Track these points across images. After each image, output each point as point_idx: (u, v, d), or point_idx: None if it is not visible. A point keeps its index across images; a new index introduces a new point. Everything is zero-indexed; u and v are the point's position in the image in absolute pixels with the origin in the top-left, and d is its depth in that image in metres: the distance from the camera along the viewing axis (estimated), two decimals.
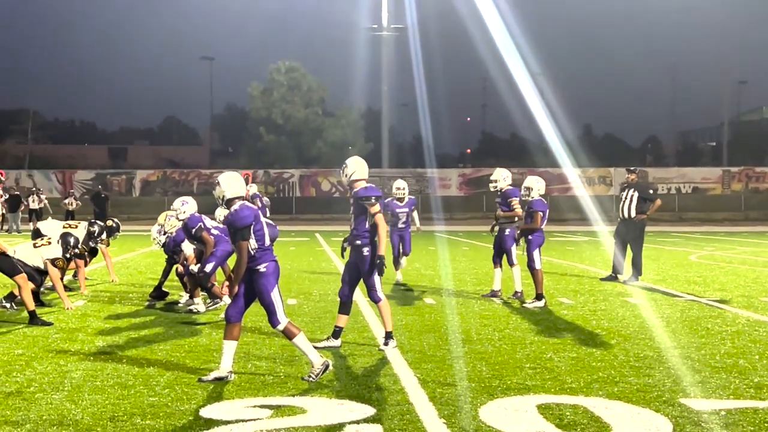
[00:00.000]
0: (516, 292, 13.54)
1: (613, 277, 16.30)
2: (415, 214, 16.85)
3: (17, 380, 7.77)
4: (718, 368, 8.38)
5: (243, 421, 6.45)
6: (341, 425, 6.35)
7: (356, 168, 9.48)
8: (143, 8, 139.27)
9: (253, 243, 7.84)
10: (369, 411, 6.73)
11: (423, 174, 58.62)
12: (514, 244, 13.58)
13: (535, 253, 13.07)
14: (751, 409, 6.87)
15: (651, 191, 17.03)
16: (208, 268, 11.64)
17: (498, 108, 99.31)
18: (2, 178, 20.32)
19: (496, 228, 13.76)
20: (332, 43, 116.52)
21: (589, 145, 61.05)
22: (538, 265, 13.03)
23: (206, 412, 6.69)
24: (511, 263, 13.64)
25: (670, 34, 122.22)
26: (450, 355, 8.96)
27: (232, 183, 8.10)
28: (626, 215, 16.30)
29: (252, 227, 7.83)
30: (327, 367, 7.77)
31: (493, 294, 13.67)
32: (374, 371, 8.23)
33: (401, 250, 15.93)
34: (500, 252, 13.70)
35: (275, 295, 7.85)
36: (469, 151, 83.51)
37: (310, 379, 7.72)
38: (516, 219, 13.50)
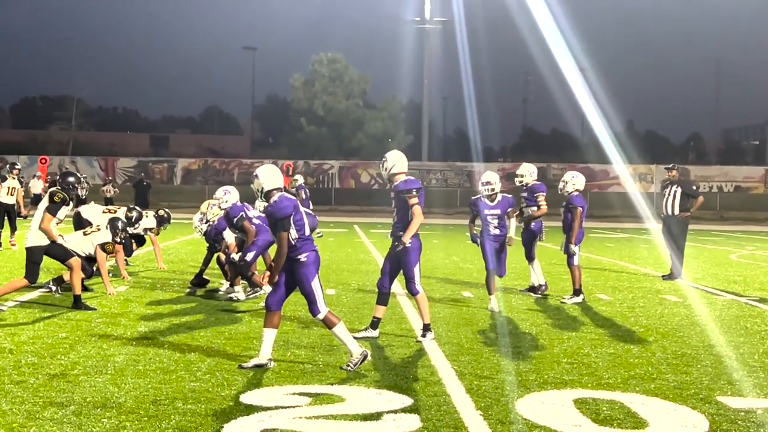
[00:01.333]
0: (536, 286, 13.53)
1: (671, 276, 16.14)
2: (512, 220, 12.86)
3: (62, 363, 7.90)
4: (756, 367, 8.34)
5: (282, 407, 6.52)
6: (379, 414, 6.40)
7: (396, 161, 9.51)
8: (188, 1, 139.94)
9: (293, 233, 7.90)
10: (407, 401, 6.79)
11: (463, 168, 58.46)
12: (536, 240, 13.56)
13: (575, 249, 13.00)
14: None
15: (694, 188, 16.94)
16: (249, 257, 11.74)
17: (540, 102, 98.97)
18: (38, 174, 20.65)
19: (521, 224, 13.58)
20: (375, 35, 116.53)
21: (631, 142, 60.55)
22: (576, 261, 12.99)
23: (246, 398, 6.77)
24: (530, 258, 13.62)
25: (715, 30, 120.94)
26: (487, 349, 8.99)
27: (270, 175, 8.16)
28: (670, 212, 16.20)
29: (291, 218, 7.89)
30: (365, 357, 7.83)
31: (532, 289, 13.63)
32: (412, 362, 8.28)
33: (496, 269, 12.29)
34: (530, 247, 13.67)
35: (315, 285, 7.91)
36: (509, 145, 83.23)
37: (349, 368, 7.79)
38: (540, 215, 13.44)
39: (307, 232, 8.08)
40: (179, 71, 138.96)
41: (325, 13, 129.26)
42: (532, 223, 13.55)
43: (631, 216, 40.19)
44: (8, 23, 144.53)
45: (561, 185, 13.23)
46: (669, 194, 16.27)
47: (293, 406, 6.56)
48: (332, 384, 7.34)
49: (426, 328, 9.44)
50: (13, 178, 19.69)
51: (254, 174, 8.27)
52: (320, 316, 7.88)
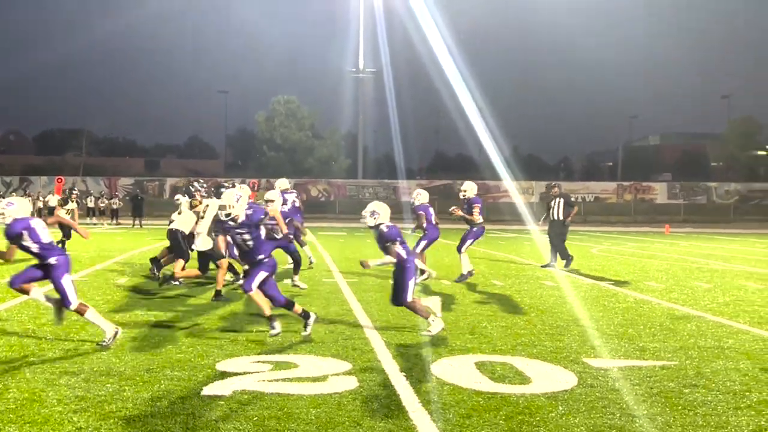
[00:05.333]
0: (464, 274, 13.49)
1: (551, 266, 16.30)
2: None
3: (74, 341, 7.71)
4: (612, 335, 8.46)
5: (249, 373, 6.44)
6: (325, 377, 6.36)
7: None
8: (177, 48, 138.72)
9: (33, 247, 7.38)
10: (347, 366, 6.74)
11: (390, 184, 58.56)
12: (471, 240, 13.62)
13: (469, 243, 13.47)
14: (637, 366, 6.95)
15: (572, 199, 17.22)
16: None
17: (448, 132, 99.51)
18: (75, 190, 19.65)
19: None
20: (322, 80, 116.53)
21: (516, 163, 61.20)
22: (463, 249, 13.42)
23: (221, 366, 6.68)
24: (459, 251, 13.67)
25: (582, 78, 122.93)
26: (409, 324, 8.98)
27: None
28: (556, 218, 16.40)
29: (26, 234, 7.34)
30: (117, 332, 7.50)
31: (462, 277, 13.50)
32: (351, 336, 8.24)
33: None
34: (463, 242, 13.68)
35: (66, 281, 7.44)
36: (423, 166, 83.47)
37: (104, 344, 7.38)
38: (477, 221, 13.55)
39: (47, 240, 7.45)
40: (169, 108, 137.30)
41: (283, 64, 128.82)
42: (474, 228, 13.59)
43: (517, 221, 40.63)
44: (32, 71, 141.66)
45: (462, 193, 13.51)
46: (555, 205, 16.47)
47: (258, 372, 6.48)
48: (289, 354, 7.27)
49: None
50: (72, 201, 18.91)
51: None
52: (72, 306, 7.41)
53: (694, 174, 66.22)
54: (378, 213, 8.64)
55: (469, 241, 13.66)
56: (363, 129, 62.63)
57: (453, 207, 13.66)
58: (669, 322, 9.33)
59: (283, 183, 15.15)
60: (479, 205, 13.57)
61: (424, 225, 13.24)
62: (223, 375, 6.38)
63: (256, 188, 47.73)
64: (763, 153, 70.81)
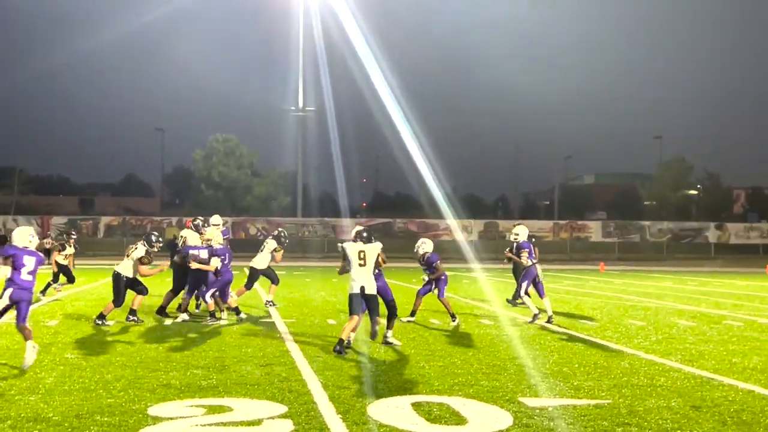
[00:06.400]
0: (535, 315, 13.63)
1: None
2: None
3: (0, 385, 7.47)
4: (547, 374, 8.56)
5: (183, 417, 6.33)
6: (260, 420, 6.28)
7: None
8: (110, 85, 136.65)
9: None
10: (282, 409, 6.68)
11: (329, 222, 58.51)
12: (526, 281, 13.87)
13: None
14: (572, 405, 7.05)
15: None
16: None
17: (388, 170, 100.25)
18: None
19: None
20: (261, 119, 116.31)
21: (456, 201, 61.83)
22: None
23: (153, 411, 6.54)
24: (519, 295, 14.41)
25: (517, 120, 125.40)
26: (347, 365, 8.95)
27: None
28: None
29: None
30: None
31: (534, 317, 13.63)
32: (287, 378, 8.16)
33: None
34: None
35: None
36: (364, 204, 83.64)
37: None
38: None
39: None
40: (104, 145, 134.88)
41: (221, 102, 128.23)
42: (525, 270, 14.03)
43: (458, 258, 40.89)
44: None
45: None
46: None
47: (191, 416, 6.37)
48: (224, 397, 7.16)
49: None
50: (70, 246, 18.36)
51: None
52: None
53: (627, 213, 67.79)
54: (426, 243, 13.27)
55: (524, 284, 13.88)
56: (303, 167, 62.59)
57: (506, 249, 14.71)
58: (603, 360, 9.48)
59: (215, 219, 15.65)
60: (528, 250, 14.07)
61: (442, 275, 13.33)
62: (156, 420, 6.25)
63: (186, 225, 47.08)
64: (694, 192, 72.88)
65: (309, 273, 29.97)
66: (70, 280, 18.23)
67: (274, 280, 15.68)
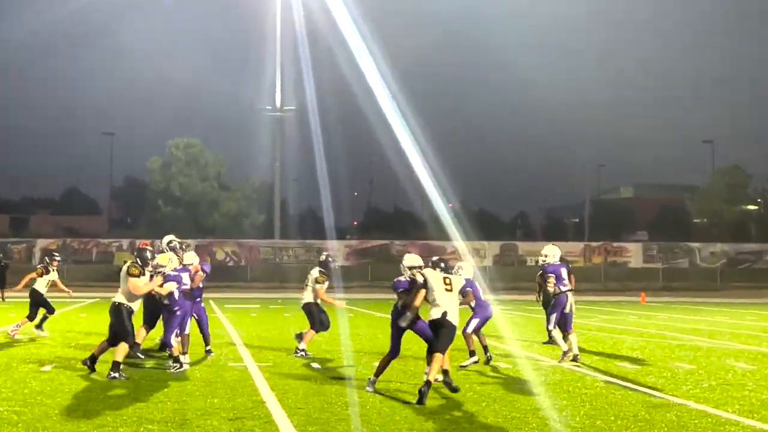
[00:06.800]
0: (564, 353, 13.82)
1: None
2: None
3: None
4: (577, 428, 8.54)
5: None
6: None
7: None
8: (45, 81, 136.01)
9: None
10: None
11: (313, 245, 58.50)
12: (555, 313, 13.96)
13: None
14: None
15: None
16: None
17: (384, 183, 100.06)
18: None
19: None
20: (230, 121, 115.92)
21: (466, 219, 61.89)
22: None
23: None
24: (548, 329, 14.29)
25: (540, 123, 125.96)
26: (334, 418, 8.92)
27: None
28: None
29: None
30: None
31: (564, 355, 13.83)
32: None
33: None
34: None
35: None
36: (355, 223, 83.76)
37: None
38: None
39: None
40: (39, 154, 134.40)
41: (181, 100, 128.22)
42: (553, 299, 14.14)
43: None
44: None
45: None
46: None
47: None
48: None
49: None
50: (54, 269, 18.45)
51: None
52: None
53: (673, 232, 67.62)
54: (462, 268, 13.60)
55: (552, 316, 13.91)
56: (280, 179, 62.63)
57: (538, 274, 14.55)
58: (645, 412, 9.47)
59: (168, 240, 15.18)
60: (555, 275, 13.93)
61: (473, 303, 13.32)
62: None
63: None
64: (753, 208, 72.82)
65: (288, 306, 29.92)
66: (50, 311, 18.19)
67: (316, 323, 14.85)
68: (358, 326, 21.44)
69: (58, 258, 19.12)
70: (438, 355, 10.35)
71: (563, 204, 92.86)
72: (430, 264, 11.26)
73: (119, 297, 12.31)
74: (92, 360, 12.31)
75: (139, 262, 12.43)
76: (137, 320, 13.02)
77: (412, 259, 11.29)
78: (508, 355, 15.12)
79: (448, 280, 10.93)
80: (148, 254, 12.61)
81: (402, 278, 11.17)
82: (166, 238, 15.18)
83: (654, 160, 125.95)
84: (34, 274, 18.13)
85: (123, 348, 11.86)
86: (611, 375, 12.57)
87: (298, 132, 63.05)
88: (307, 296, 14.87)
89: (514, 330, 19.61)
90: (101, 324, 18.39)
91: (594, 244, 62.39)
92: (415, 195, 65.59)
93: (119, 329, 12.10)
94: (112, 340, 12.21)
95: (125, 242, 55.21)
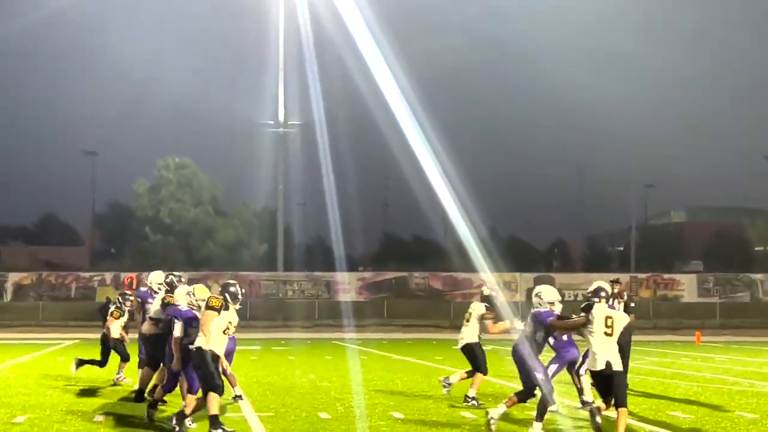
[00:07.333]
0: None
1: None
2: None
3: None
4: None
5: None
6: None
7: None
8: (18, 92, 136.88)
9: None
10: None
11: (321, 278, 58.54)
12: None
13: None
14: None
15: (632, 305, 16.41)
16: None
17: (401, 208, 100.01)
18: None
19: None
20: (227, 139, 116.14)
21: (495, 248, 61.78)
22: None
23: None
24: None
25: (577, 137, 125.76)
26: None
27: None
28: None
29: None
30: None
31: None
32: None
33: None
34: None
35: None
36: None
37: None
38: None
39: None
40: (11, 176, 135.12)
41: (172, 117, 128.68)
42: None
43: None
44: None
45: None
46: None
47: None
48: None
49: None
50: (125, 309, 18.44)
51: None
52: None
53: (731, 262, 67.36)
54: (542, 294, 12.26)
55: (552, 367, 13.56)
56: (283, 204, 62.78)
57: None
58: None
59: (157, 277, 15.06)
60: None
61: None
62: None
63: (133, 286, 47.15)
64: None
65: (292, 349, 29.93)
66: (125, 358, 18.10)
67: (482, 365, 15.00)
68: (371, 370, 21.39)
69: (130, 297, 18.58)
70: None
71: (606, 230, 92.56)
72: (591, 294, 11.16)
73: (199, 341, 11.44)
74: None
75: (228, 298, 11.58)
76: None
77: (551, 293, 12.05)
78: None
79: (610, 321, 10.81)
80: (233, 290, 11.72)
81: (541, 309, 11.82)
82: (157, 274, 15.09)
83: (709, 180, 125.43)
84: (111, 319, 18.16)
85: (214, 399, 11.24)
86: (662, 426, 12.50)
87: (304, 150, 63.30)
88: (469, 335, 15.10)
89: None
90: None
91: (641, 275, 62.10)
92: (436, 220, 65.53)
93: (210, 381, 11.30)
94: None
95: (108, 276, 55.33)
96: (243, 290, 12.22)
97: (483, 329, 15.01)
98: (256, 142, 64.06)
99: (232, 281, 12.14)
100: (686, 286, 60.95)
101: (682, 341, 39.27)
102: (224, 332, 11.29)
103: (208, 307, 11.36)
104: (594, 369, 10.58)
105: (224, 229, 65.19)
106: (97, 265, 68.41)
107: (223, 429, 11.09)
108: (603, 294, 11.08)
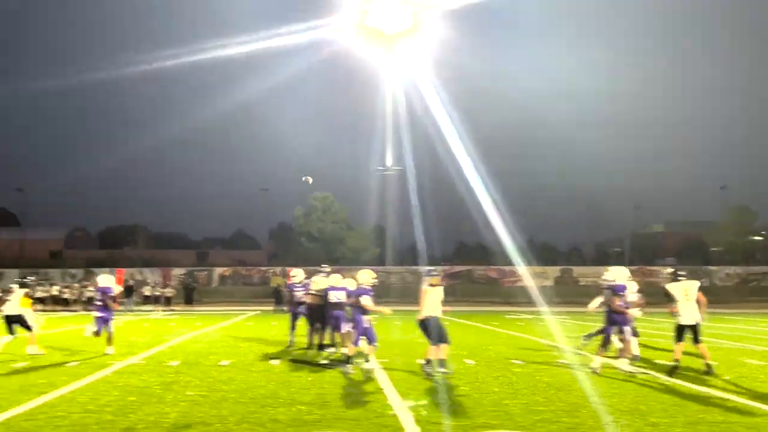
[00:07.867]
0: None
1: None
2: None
3: (130, 419, 7.69)
4: (624, 411, 8.28)
5: None
6: None
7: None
8: (223, 150, 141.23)
9: None
10: None
11: (414, 270, 58.43)
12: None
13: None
14: None
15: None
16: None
17: (469, 223, 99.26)
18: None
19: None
20: (354, 177, 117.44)
21: (532, 251, 60.84)
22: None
23: None
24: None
25: (589, 168, 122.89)
26: (439, 400, 8.85)
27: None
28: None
29: None
30: None
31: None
32: (382, 413, 8.11)
33: None
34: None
35: None
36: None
37: None
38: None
39: None
40: (216, 204, 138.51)
41: (318, 165, 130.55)
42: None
43: (530, 303, 40.18)
44: (94, 174, 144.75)
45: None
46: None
47: None
48: (326, 431, 7.16)
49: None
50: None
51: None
52: None
53: (696, 258, 65.65)
54: (612, 271, 11.83)
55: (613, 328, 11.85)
56: (390, 221, 63.06)
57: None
58: (678, 399, 9.10)
59: (326, 276, 15.14)
60: (620, 293, 11.69)
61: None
62: None
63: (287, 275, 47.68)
64: (759, 238, 70.31)
65: (397, 317, 29.86)
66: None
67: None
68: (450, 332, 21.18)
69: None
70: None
71: (608, 237, 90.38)
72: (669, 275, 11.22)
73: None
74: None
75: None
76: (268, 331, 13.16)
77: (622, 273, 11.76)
78: (566, 355, 14.69)
79: (687, 291, 11.46)
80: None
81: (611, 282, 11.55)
82: (365, 274, 12.88)
83: (680, 201, 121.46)
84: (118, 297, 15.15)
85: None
86: (655, 369, 12.10)
87: (401, 187, 63.60)
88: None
89: (571, 336, 18.97)
90: (263, 330, 18.74)
91: (632, 267, 60.44)
92: (488, 230, 65.09)
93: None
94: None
95: (278, 269, 56.25)
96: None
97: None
98: (370, 180, 64.80)
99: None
100: (663, 276, 59.23)
101: (662, 312, 37.98)
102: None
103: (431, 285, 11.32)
104: (680, 323, 11.27)
105: (351, 239, 65.96)
106: (271, 262, 69.70)
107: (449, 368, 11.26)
108: (680, 277, 11.64)
